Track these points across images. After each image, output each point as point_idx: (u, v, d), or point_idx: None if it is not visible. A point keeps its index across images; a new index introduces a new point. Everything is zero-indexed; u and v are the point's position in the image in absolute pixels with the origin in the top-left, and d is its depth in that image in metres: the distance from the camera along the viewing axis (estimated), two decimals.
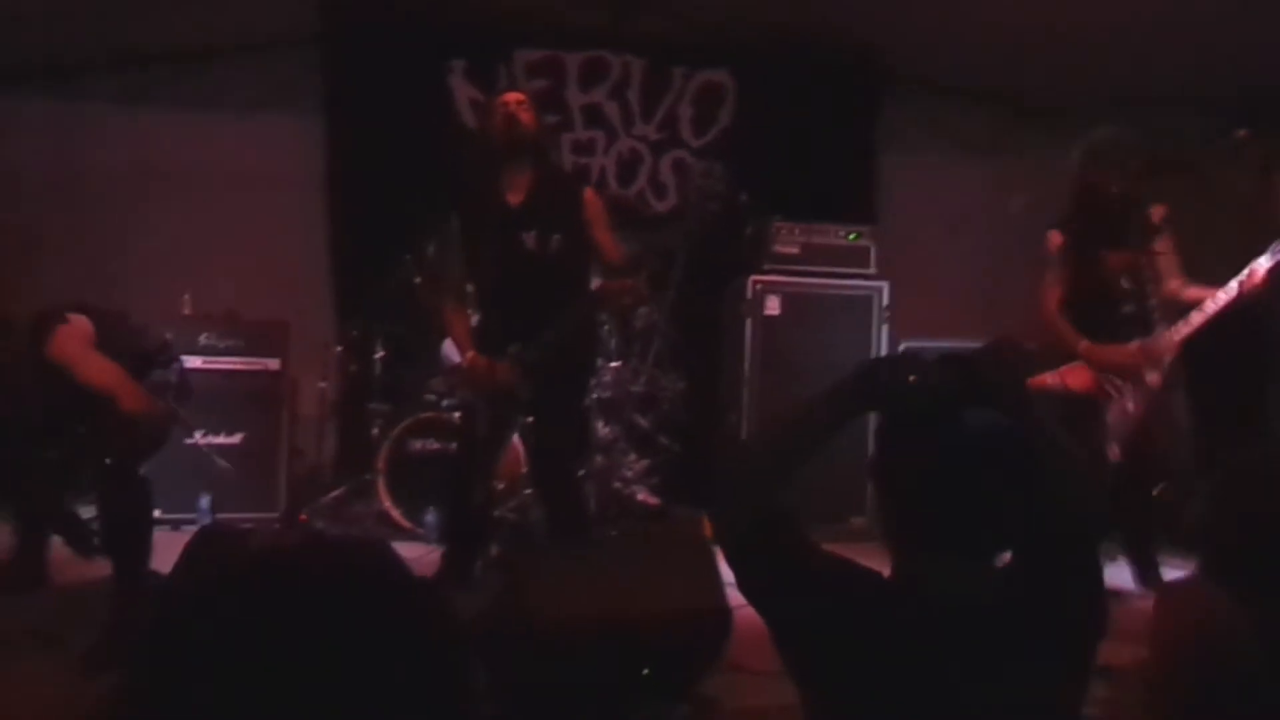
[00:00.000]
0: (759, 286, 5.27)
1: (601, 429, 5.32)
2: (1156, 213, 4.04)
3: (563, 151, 6.21)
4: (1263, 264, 3.76)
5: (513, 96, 3.95)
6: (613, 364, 5.35)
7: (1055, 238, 4.15)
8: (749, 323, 5.24)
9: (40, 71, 5.68)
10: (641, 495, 5.37)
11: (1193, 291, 4.00)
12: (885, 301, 5.32)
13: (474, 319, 4.13)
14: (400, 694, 2.29)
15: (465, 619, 2.97)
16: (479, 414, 3.91)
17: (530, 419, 4.06)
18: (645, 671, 2.67)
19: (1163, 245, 4.05)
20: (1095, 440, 3.87)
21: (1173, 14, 4.72)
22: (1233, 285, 3.82)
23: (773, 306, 5.26)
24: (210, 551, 2.75)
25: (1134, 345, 3.99)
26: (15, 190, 5.53)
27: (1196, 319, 3.91)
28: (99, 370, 3.18)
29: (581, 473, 4.95)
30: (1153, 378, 3.96)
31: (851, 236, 5.41)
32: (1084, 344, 4.02)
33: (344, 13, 5.88)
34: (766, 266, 5.34)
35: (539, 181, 3.88)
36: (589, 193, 4.02)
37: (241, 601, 2.52)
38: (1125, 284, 4.00)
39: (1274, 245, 3.76)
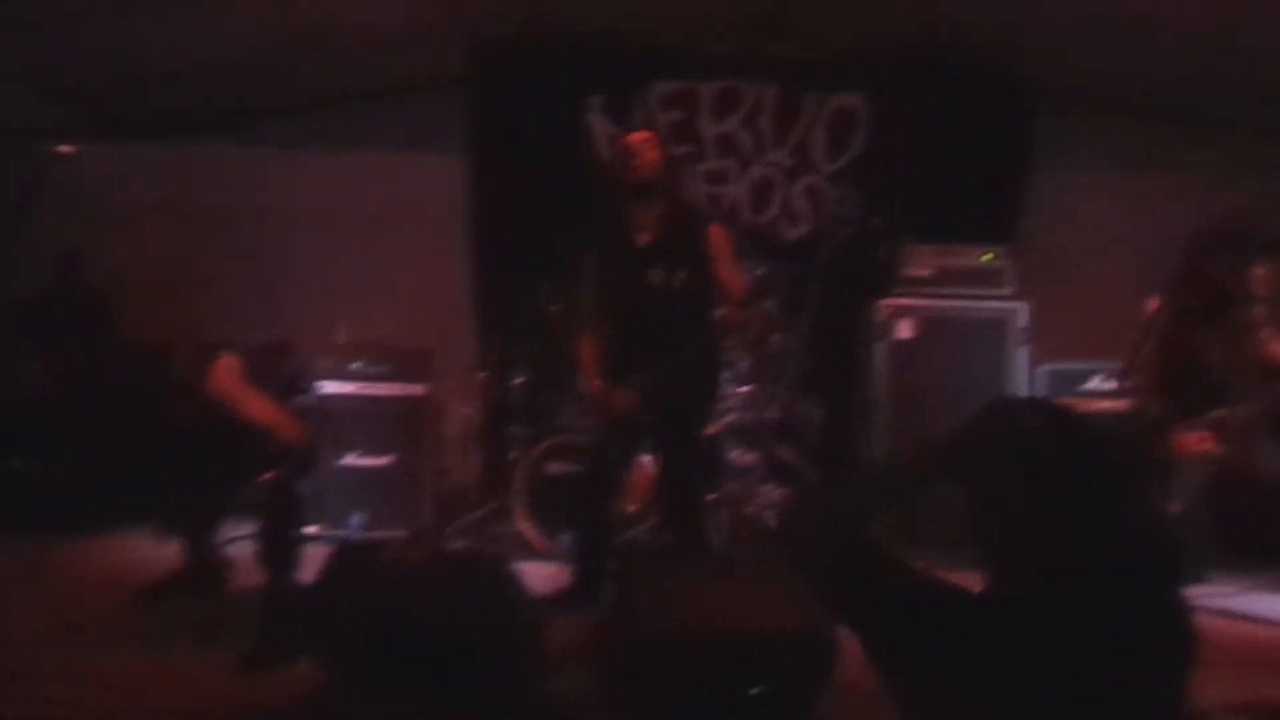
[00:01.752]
0: (890, 310, 5.22)
1: (737, 455, 5.35)
2: (1258, 276, 4.09)
3: (696, 181, 6.33)
4: None
5: (638, 137, 4.09)
6: (744, 389, 5.39)
7: (1153, 304, 4.22)
8: (880, 347, 5.20)
9: (216, 119, 6.21)
10: (775, 521, 5.37)
11: None
12: (1023, 323, 5.17)
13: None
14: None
15: (580, 633, 3.08)
16: (604, 440, 4.07)
17: (656, 446, 4.17)
18: (755, 690, 2.70)
19: (1261, 310, 4.13)
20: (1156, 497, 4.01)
21: None
22: None
23: (905, 330, 5.20)
24: (345, 565, 2.96)
25: (1212, 419, 4.06)
26: (194, 226, 6.05)
27: None
28: (255, 407, 3.49)
29: (711, 497, 5.02)
30: (1223, 450, 4.04)
31: (986, 257, 5.30)
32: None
33: (486, 54, 6.18)
34: (899, 289, 5.28)
35: (666, 220, 4.01)
36: (716, 229, 4.11)
37: (371, 605, 2.69)
38: (1218, 354, 4.11)
39: None
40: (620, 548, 4.60)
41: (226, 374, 3.54)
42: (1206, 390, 4.10)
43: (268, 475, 3.53)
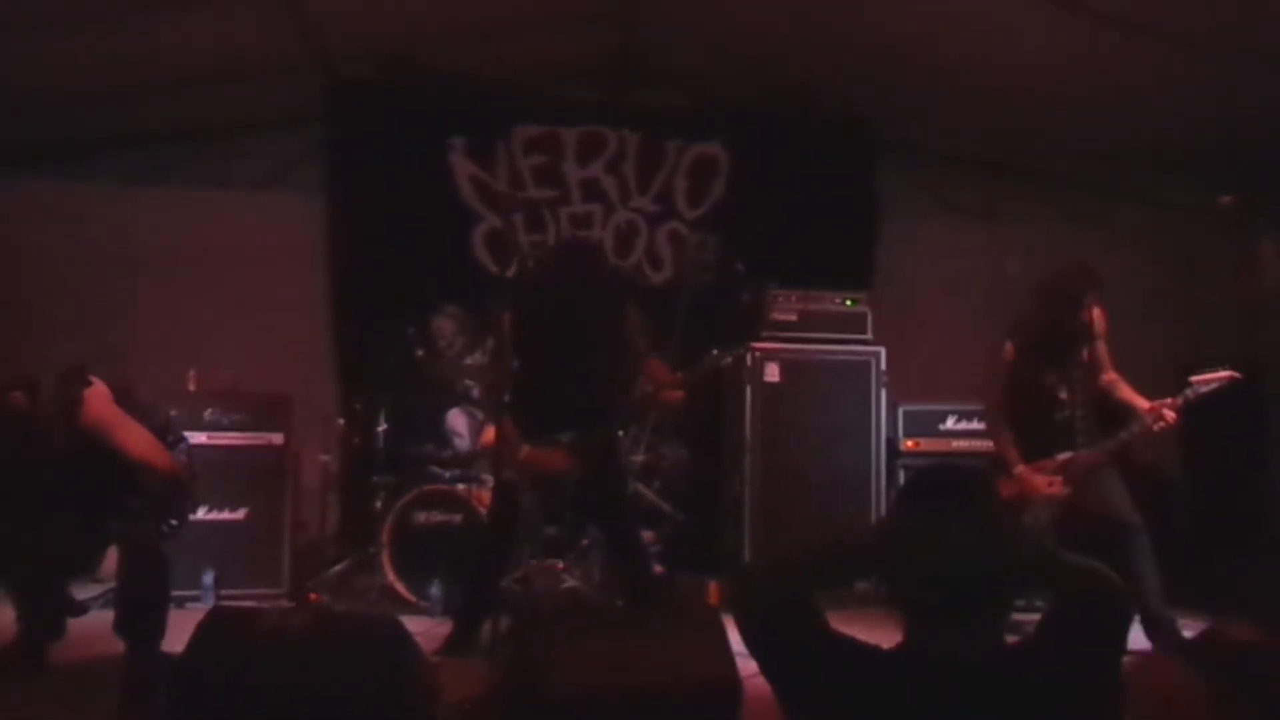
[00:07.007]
0: (758, 354, 5.32)
1: None
2: (1095, 315, 4.35)
3: (560, 224, 6.33)
4: (1175, 404, 4.12)
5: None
6: None
7: (1010, 349, 4.42)
8: (749, 389, 5.29)
9: (48, 152, 5.80)
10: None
11: (1125, 392, 4.34)
12: (883, 365, 5.36)
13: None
14: None
15: (479, 691, 2.98)
16: (521, 496, 4.16)
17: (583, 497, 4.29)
18: None
19: (1099, 345, 4.39)
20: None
21: (1160, 81, 4.86)
22: (1155, 415, 4.15)
23: (772, 373, 5.31)
24: (221, 632, 2.75)
25: (1060, 461, 4.28)
26: (22, 267, 5.61)
27: (1123, 438, 4.23)
28: (135, 436, 3.21)
29: (584, 543, 4.99)
30: (1070, 490, 4.25)
31: (849, 302, 5.49)
32: (1020, 468, 4.31)
33: (346, 93, 6.02)
34: (765, 334, 5.40)
35: (593, 303, 4.20)
36: (631, 310, 4.32)
37: (253, 681, 2.51)
38: (1063, 395, 4.31)
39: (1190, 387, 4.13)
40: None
41: (102, 401, 3.23)
42: (1055, 432, 4.32)
43: (136, 526, 3.21)
